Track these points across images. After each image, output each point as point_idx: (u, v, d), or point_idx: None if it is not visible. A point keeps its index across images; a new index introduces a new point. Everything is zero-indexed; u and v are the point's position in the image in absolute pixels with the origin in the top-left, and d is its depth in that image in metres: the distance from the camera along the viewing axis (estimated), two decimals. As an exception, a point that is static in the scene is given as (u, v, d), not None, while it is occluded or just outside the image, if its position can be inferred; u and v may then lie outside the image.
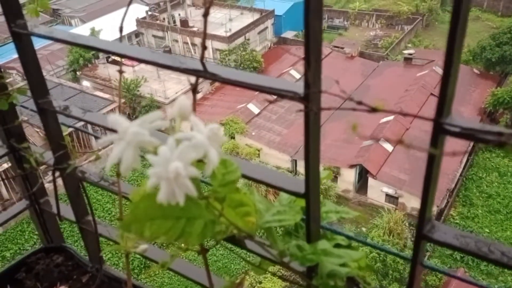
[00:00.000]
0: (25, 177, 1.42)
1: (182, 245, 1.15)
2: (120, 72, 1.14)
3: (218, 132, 0.63)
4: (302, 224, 1.01)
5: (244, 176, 0.87)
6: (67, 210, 1.48)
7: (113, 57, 27.34)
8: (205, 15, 0.84)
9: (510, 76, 25.59)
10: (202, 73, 0.93)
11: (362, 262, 0.89)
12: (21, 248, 16.66)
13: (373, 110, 0.67)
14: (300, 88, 0.79)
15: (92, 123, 1.28)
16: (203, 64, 0.94)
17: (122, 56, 1.01)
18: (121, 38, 1.13)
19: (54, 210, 1.50)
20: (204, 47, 0.93)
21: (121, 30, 1.12)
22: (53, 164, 1.31)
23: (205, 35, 0.89)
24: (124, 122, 0.62)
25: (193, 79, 1.00)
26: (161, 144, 0.61)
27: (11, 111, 1.33)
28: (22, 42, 1.19)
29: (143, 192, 0.69)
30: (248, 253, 1.07)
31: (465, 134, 0.65)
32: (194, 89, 0.99)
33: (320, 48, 0.78)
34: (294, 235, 1.03)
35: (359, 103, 0.68)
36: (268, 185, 0.90)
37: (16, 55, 1.27)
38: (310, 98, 0.78)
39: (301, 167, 20.49)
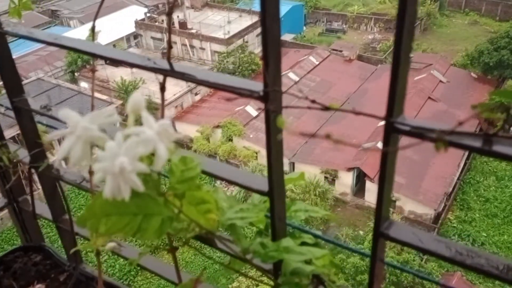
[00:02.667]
0: (2, 175, 1.42)
1: (152, 243, 1.15)
2: (93, 71, 1.15)
3: (168, 128, 0.64)
4: (273, 223, 1.01)
5: (206, 173, 0.88)
6: (44, 209, 1.48)
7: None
8: (168, 14, 0.85)
9: (508, 80, 25.65)
10: (169, 72, 0.94)
11: (326, 259, 0.89)
12: (17, 249, 16.60)
13: (326, 108, 0.68)
14: (259, 88, 0.80)
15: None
16: (170, 64, 0.95)
17: (93, 55, 1.01)
18: (93, 37, 1.13)
19: (31, 209, 1.50)
20: (170, 46, 0.94)
21: (93, 29, 1.12)
22: (29, 162, 1.31)
23: (170, 33, 0.90)
24: (74, 117, 0.62)
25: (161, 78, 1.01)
26: (111, 139, 0.61)
27: (-13, 109, 1.33)
28: (-4, 40, 1.20)
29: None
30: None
31: (414, 132, 0.65)
32: (162, 87, 0.99)
33: (279, 49, 0.79)
34: (264, 234, 1.04)
35: (313, 101, 0.68)
36: (231, 182, 0.91)
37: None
38: (269, 97, 0.78)
39: (298, 170, 20.49)
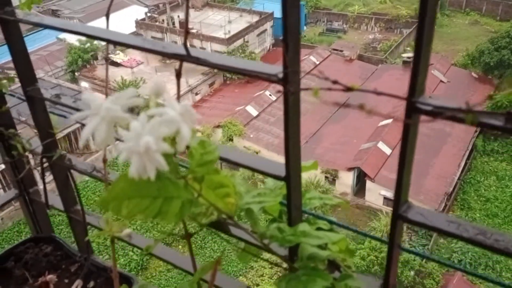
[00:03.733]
0: (14, 166, 1.42)
1: (167, 229, 1.14)
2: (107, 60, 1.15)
3: (190, 109, 0.64)
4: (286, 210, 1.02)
5: (224, 160, 0.88)
6: (56, 200, 1.49)
7: (112, 59, 27.38)
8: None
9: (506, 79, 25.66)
10: (185, 57, 0.94)
11: (342, 244, 0.89)
12: (18, 249, 16.56)
13: (348, 89, 0.68)
14: (278, 70, 0.80)
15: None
16: (186, 48, 0.95)
17: (106, 40, 1.02)
18: (107, 25, 1.14)
19: (43, 199, 1.50)
20: (187, 31, 0.94)
21: (107, 16, 1.13)
22: (41, 152, 1.32)
23: (187, 17, 0.91)
24: (98, 99, 0.63)
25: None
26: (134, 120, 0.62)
27: (0, 99, 1.34)
28: (10, 29, 1.20)
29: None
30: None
31: (436, 112, 0.66)
32: (178, 74, 1.00)
33: (298, 32, 0.79)
34: (278, 221, 1.04)
35: (335, 82, 0.69)
36: (249, 168, 0.91)
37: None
38: (288, 80, 0.79)
39: (299, 170, 20.43)
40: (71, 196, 1.47)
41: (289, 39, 0.77)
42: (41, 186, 1.49)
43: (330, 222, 0.98)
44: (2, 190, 18.34)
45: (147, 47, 0.98)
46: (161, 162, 0.61)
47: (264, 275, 15.94)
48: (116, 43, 1.01)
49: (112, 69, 25.91)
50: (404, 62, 27.62)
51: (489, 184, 21.62)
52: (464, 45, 30.24)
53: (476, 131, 23.19)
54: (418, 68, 0.67)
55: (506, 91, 24.42)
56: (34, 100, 1.26)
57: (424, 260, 17.39)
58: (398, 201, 0.77)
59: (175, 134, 0.63)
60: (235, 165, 0.91)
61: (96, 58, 27.68)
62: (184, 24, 0.97)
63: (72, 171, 1.45)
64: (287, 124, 0.84)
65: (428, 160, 20.85)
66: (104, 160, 1.16)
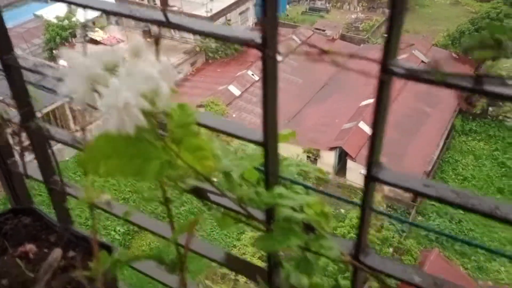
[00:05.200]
0: (-9, 137, 1.41)
1: (145, 195, 1.17)
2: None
3: (169, 67, 0.65)
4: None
5: (201, 125, 0.90)
6: (35, 171, 1.48)
7: (91, 36, 26.83)
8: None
9: (488, 60, 25.97)
10: (165, 24, 0.94)
11: (317, 207, 0.92)
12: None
13: (324, 52, 0.70)
14: (256, 35, 0.81)
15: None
16: (166, 15, 0.95)
17: (80, 6, 1.01)
18: None
19: (22, 171, 1.50)
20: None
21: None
22: (19, 122, 1.31)
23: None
24: (77, 57, 0.63)
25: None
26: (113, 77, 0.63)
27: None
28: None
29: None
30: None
31: (408, 74, 0.68)
32: (156, 40, 1.00)
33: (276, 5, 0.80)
34: (256, 187, 1.06)
35: (312, 46, 0.70)
36: (225, 133, 0.93)
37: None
38: (267, 44, 0.80)
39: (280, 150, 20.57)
40: (49, 166, 1.47)
41: (268, 3, 0.78)
42: (19, 158, 1.48)
43: (306, 187, 1.01)
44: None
45: (125, 13, 0.98)
46: (140, 117, 0.62)
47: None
48: (92, 8, 1.00)
49: (91, 47, 25.36)
50: (386, 42, 27.64)
51: (467, 163, 22.12)
52: (445, 25, 30.44)
53: (455, 111, 23.56)
54: (391, 31, 0.68)
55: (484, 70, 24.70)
56: (11, 68, 1.24)
57: (402, 237, 17.80)
58: (371, 163, 0.80)
59: (153, 93, 0.64)
60: (212, 130, 0.93)
61: (75, 36, 27.06)
62: (162, -10, 0.97)
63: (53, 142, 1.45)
64: (265, 90, 0.86)
65: (407, 140, 21.16)
66: (83, 130, 1.16)
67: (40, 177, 1.48)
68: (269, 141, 0.91)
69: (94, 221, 1.19)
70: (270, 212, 0.96)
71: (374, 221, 18.51)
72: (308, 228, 0.98)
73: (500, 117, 23.61)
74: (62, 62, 25.51)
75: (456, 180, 21.29)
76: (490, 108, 23.89)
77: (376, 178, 0.80)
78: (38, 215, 1.56)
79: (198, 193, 1.04)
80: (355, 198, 18.88)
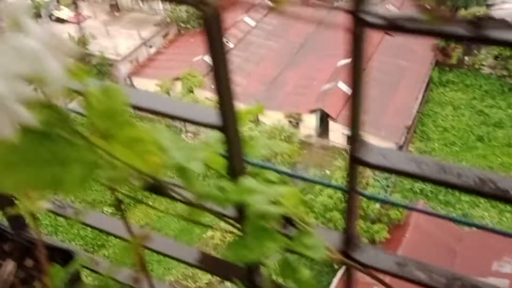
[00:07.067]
0: None
1: (90, 199, 0.99)
2: None
3: (59, 37, 0.46)
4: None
5: (141, 109, 0.72)
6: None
7: (57, 15, 25.81)
8: None
9: (460, 10, 25.87)
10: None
11: (294, 198, 0.77)
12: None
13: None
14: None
15: None
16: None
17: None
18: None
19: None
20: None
21: None
22: None
23: None
24: None
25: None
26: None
27: None
28: None
29: None
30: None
31: (387, 25, 0.51)
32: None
33: None
34: (222, 176, 0.90)
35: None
36: (177, 118, 0.75)
37: None
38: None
39: (262, 116, 20.43)
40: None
41: None
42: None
43: (279, 172, 0.85)
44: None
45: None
46: (23, 113, 0.44)
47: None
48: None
49: (57, 26, 24.45)
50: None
51: (446, 114, 22.30)
52: (417, -24, 30.04)
53: (431, 63, 23.57)
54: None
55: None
56: None
57: (388, 193, 18.04)
58: (355, 143, 0.65)
59: (39, 76, 0.46)
60: (159, 115, 0.75)
61: (40, 16, 25.96)
62: None
63: None
64: (215, 61, 0.68)
65: (386, 96, 21.15)
66: None
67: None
68: (229, 123, 0.74)
69: (36, 227, 1.03)
70: (240, 208, 0.80)
71: (359, 179, 18.53)
72: (287, 221, 0.83)
73: (476, 66, 23.69)
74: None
75: (437, 132, 21.49)
76: (466, 58, 23.93)
77: (360, 160, 0.64)
78: (-13, 222, 1.39)
79: (157, 190, 0.88)
80: (339, 159, 18.90)
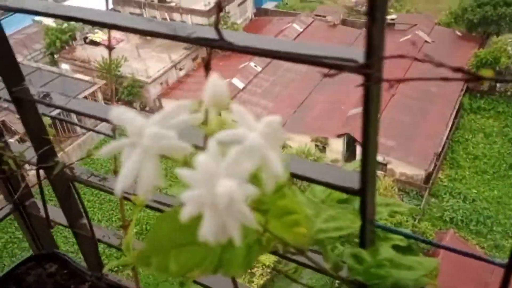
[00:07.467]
0: (6, 179, 1.21)
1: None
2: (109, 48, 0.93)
3: (277, 127, 0.43)
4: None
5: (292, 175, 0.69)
6: (58, 213, 1.29)
7: (90, 38, 26.59)
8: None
9: (492, 36, 25.54)
10: (219, 42, 0.73)
11: (436, 270, 0.71)
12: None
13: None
14: (358, 56, 0.60)
15: (78, 113, 1.07)
16: (219, 31, 0.73)
17: (112, 27, 0.80)
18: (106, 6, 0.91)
19: (42, 213, 1.30)
20: (219, 9, 0.73)
21: (108, -4, 0.90)
22: (37, 162, 1.11)
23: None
24: (136, 119, 0.41)
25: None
26: (195, 150, 0.41)
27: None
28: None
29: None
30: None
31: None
32: (206, 64, 0.79)
33: (385, 8, 0.58)
34: (348, 241, 0.85)
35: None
36: (315, 181, 0.71)
37: None
38: (372, 68, 0.59)
39: (289, 140, 20.35)
40: (75, 209, 1.26)
41: (376, 16, 0.56)
42: (39, 198, 1.28)
43: (407, 236, 0.80)
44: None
45: (167, 33, 0.76)
46: (248, 214, 0.40)
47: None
48: (125, 29, 0.79)
49: (91, 48, 25.17)
50: (388, 25, 27.24)
51: (477, 141, 21.81)
52: (447, 3, 29.90)
53: (462, 90, 23.23)
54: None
55: (489, 47, 24.30)
56: (23, 102, 1.03)
57: (417, 221, 17.58)
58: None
59: (258, 172, 0.42)
60: (298, 178, 0.71)
61: (75, 39, 26.80)
62: None
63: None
64: (367, 122, 0.65)
65: (416, 122, 20.88)
66: (115, 172, 0.96)
67: (64, 221, 1.28)
68: (368, 188, 0.70)
69: (136, 279, 0.99)
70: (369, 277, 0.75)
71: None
72: (417, 290, 0.77)
73: (508, 93, 23.22)
74: (64, 66, 25.34)
75: (467, 160, 20.99)
76: (498, 85, 23.49)
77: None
78: (64, 262, 1.37)
79: (279, 254, 0.83)
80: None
